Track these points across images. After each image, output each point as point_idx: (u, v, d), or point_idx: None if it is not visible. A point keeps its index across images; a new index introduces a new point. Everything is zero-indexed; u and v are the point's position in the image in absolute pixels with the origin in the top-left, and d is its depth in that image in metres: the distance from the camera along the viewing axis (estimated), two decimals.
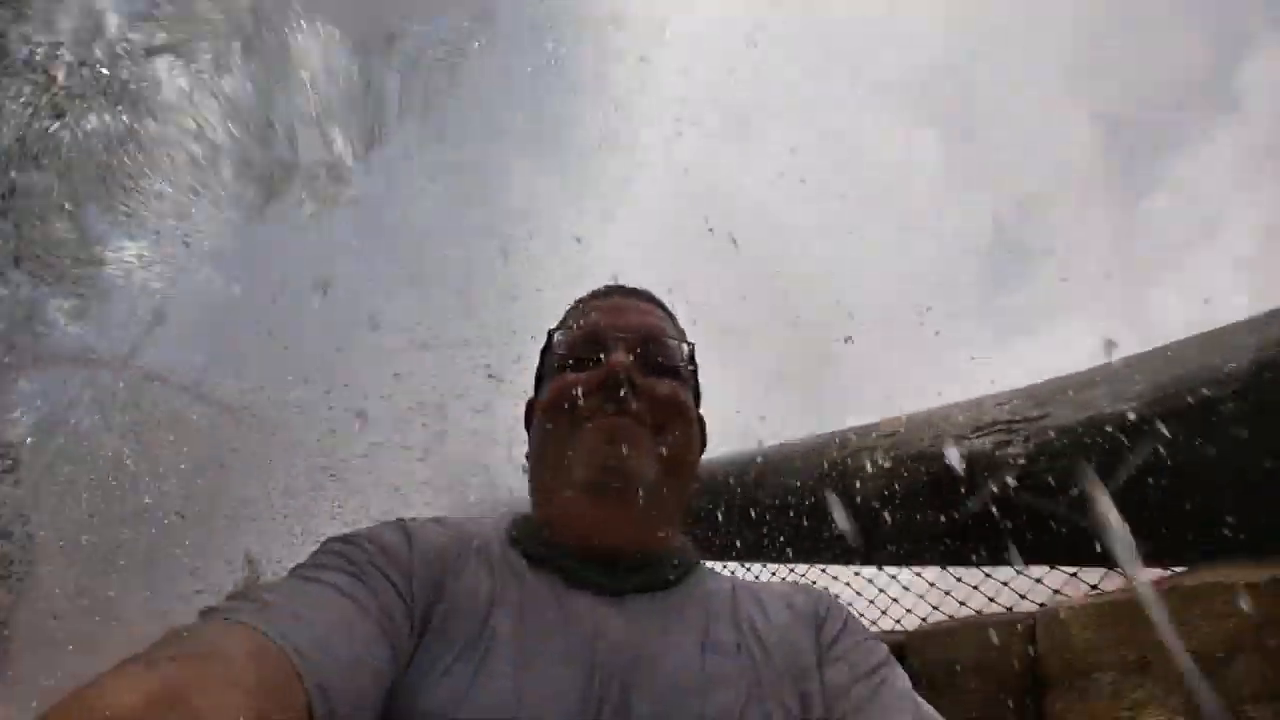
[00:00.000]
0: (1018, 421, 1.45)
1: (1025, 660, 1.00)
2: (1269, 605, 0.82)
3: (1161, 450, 1.10)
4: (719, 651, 0.65)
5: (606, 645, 0.63)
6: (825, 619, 0.70)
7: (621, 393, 0.70)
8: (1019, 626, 1.06)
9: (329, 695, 0.47)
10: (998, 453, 1.43)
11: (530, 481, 0.78)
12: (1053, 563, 1.43)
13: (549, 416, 0.74)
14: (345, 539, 0.64)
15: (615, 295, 0.82)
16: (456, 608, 0.63)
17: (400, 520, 0.69)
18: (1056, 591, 1.45)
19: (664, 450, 0.71)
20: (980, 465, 1.46)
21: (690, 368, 0.79)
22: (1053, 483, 1.27)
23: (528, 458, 0.80)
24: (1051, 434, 1.33)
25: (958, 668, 1.12)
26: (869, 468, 1.68)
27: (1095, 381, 1.29)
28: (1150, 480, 1.07)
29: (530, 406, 0.82)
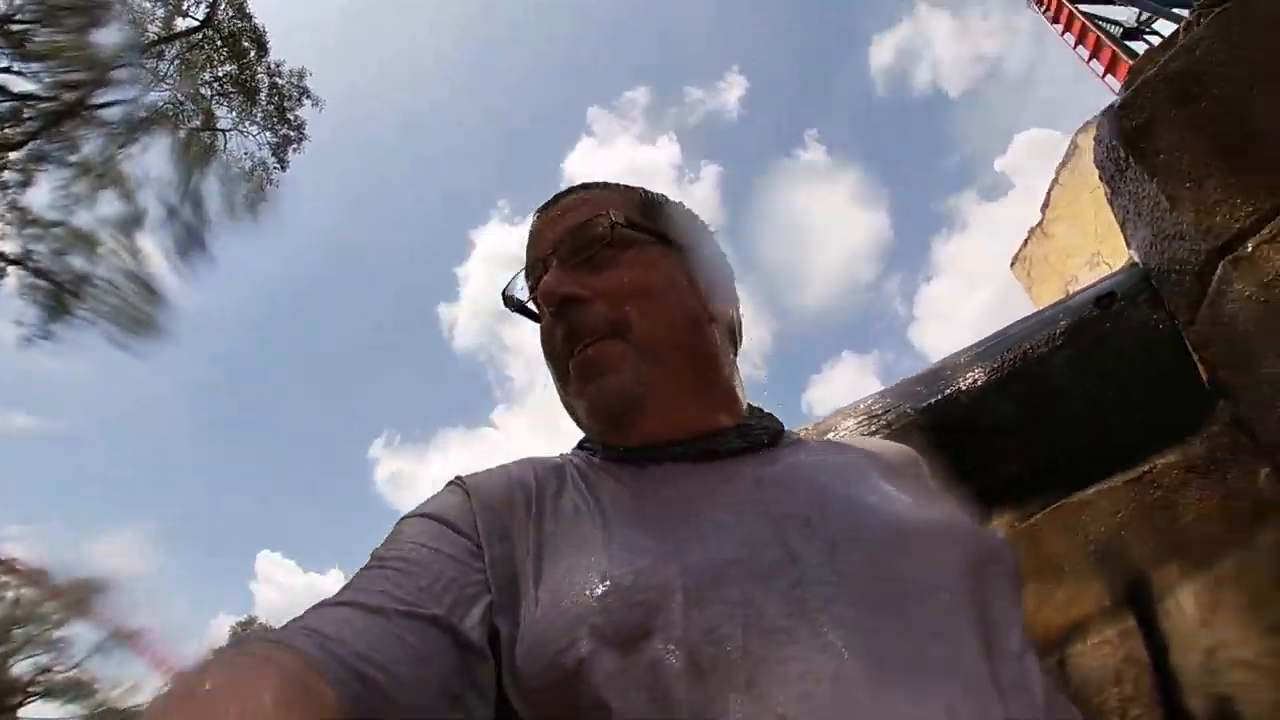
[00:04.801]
0: (879, 414, 1.51)
1: None
2: (1144, 493, 0.88)
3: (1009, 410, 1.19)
4: (897, 499, 0.55)
5: (761, 488, 0.54)
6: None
7: (566, 321, 0.61)
8: None
9: (357, 684, 0.39)
10: None
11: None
12: None
13: (549, 366, 0.65)
14: (401, 526, 0.55)
15: (540, 212, 0.69)
16: (553, 520, 0.54)
17: (457, 478, 0.59)
18: None
19: (640, 336, 0.60)
20: None
21: (634, 227, 0.65)
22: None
23: None
24: (910, 415, 1.39)
25: None
26: None
27: (949, 366, 1.38)
28: (1004, 432, 1.15)
29: None
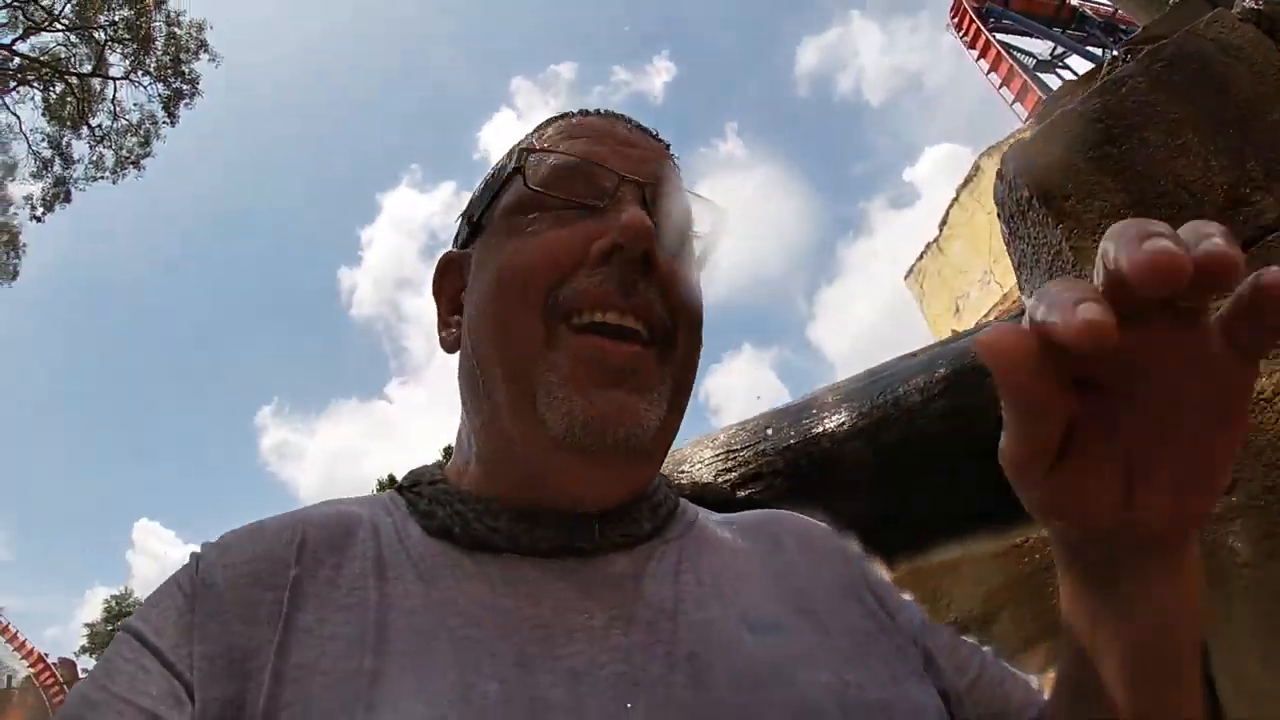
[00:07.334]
0: (736, 449, 1.39)
1: None
2: (1014, 568, 0.76)
3: (874, 453, 1.09)
4: (768, 630, 0.42)
5: (598, 633, 0.39)
6: (866, 569, 0.50)
7: (636, 279, 0.44)
8: None
9: None
10: (718, 479, 1.35)
11: (464, 404, 0.50)
12: None
13: (508, 299, 0.45)
14: (113, 644, 0.40)
15: (616, 120, 0.52)
16: (308, 637, 0.38)
17: (193, 560, 0.43)
18: None
19: (677, 369, 0.46)
20: (700, 495, 1.37)
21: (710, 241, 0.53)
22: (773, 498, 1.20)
23: (448, 347, 0.52)
24: (769, 455, 1.28)
25: None
26: None
27: (814, 404, 1.27)
28: (869, 480, 1.04)
29: (451, 263, 0.53)
